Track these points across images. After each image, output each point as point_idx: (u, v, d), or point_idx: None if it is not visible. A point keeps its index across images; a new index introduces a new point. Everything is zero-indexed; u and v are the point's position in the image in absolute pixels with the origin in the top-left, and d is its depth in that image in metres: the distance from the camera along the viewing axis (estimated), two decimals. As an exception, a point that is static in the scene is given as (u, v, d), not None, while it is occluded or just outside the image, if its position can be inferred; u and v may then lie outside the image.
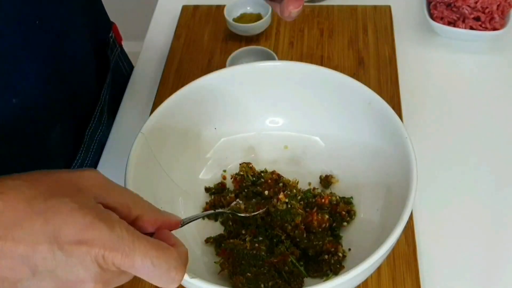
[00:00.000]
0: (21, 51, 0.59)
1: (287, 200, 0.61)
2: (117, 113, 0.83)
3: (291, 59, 0.87)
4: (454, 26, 0.86)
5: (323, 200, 0.63)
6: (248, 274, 0.58)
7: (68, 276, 0.37)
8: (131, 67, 0.93)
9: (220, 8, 0.95)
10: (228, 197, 0.66)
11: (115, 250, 0.37)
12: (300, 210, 0.62)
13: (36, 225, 0.36)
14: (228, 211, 0.61)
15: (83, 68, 0.74)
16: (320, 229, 0.62)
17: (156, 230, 0.43)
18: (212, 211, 0.64)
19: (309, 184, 0.68)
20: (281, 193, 0.62)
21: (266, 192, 0.65)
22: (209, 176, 0.69)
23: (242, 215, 0.61)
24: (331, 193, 0.65)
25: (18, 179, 0.38)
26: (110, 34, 0.84)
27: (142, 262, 0.38)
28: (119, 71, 0.88)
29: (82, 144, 0.75)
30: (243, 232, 0.63)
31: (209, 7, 0.97)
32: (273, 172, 0.67)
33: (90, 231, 0.37)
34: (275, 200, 0.62)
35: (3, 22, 0.56)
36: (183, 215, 0.64)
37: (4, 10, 0.56)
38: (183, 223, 0.47)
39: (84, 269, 0.37)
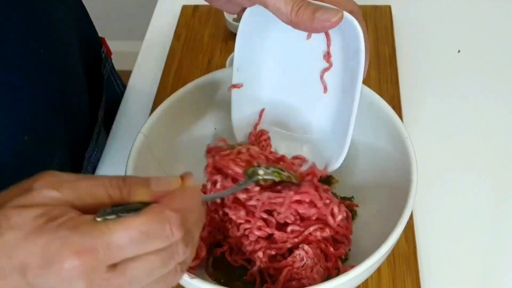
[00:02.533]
0: (24, 85, 0.58)
1: None
2: (112, 124, 0.82)
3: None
4: None
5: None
6: (245, 277, 0.58)
7: None
8: (121, 81, 0.91)
9: (220, 8, 0.95)
10: None
11: (88, 248, 0.33)
12: None
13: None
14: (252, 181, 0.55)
15: (80, 92, 0.73)
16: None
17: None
18: (235, 188, 0.55)
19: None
20: None
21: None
22: (209, 176, 0.69)
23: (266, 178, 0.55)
24: (331, 193, 0.65)
25: None
26: (102, 49, 0.83)
27: (128, 235, 0.33)
28: (111, 86, 0.86)
29: (81, 168, 0.73)
30: None
31: (209, 7, 0.96)
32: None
33: (50, 247, 0.33)
34: None
35: (7, 55, 0.55)
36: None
37: (8, 41, 0.55)
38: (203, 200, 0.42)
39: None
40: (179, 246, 0.36)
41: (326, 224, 0.58)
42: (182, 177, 0.40)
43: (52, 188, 0.35)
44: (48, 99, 0.63)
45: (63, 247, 0.32)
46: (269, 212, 0.56)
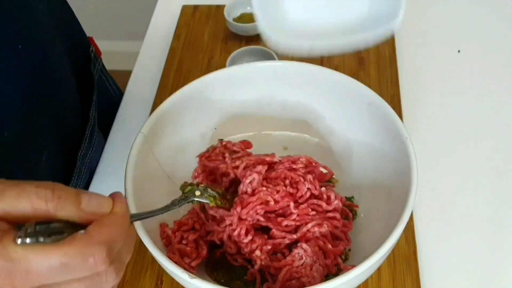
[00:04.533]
0: (3, 80, 0.58)
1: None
2: (111, 127, 0.81)
3: (291, 59, 0.87)
4: None
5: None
6: (245, 277, 0.58)
7: None
8: (114, 81, 0.90)
9: (220, 8, 0.95)
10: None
11: (6, 271, 0.33)
12: None
13: None
14: (190, 200, 0.56)
15: (67, 90, 0.72)
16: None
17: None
18: (168, 205, 0.54)
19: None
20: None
21: None
22: (209, 176, 0.69)
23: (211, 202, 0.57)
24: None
25: None
26: (91, 49, 0.83)
27: (47, 265, 0.34)
28: (103, 85, 0.85)
29: (75, 168, 0.72)
30: None
31: (209, 7, 0.97)
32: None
33: None
34: None
35: None
36: (182, 214, 0.64)
37: None
38: (132, 218, 0.43)
39: None
40: (107, 275, 0.36)
41: (324, 217, 0.58)
42: (113, 197, 0.39)
43: None
44: (29, 94, 0.62)
45: None
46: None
